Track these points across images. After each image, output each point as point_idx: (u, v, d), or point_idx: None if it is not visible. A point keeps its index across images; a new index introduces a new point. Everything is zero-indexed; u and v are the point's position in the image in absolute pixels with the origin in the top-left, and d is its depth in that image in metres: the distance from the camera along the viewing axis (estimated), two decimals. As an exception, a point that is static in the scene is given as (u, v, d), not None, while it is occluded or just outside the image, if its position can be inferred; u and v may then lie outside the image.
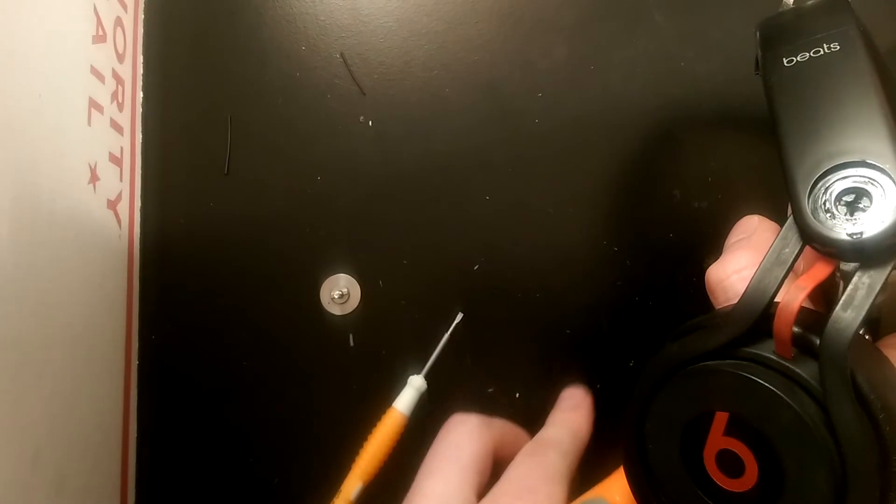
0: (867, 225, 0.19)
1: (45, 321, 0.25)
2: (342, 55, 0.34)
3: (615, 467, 0.26)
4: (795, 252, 0.20)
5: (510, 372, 0.34)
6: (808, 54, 0.22)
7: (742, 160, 0.33)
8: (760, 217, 0.26)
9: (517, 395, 0.34)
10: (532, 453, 0.27)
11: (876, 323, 0.22)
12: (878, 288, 0.18)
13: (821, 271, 0.20)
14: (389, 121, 0.34)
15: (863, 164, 0.19)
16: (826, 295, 0.21)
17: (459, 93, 0.34)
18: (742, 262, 0.24)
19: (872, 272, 0.19)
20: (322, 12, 0.35)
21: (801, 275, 0.20)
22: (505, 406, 0.34)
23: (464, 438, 0.27)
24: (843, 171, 0.20)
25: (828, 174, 0.20)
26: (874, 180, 0.19)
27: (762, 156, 0.33)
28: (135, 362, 0.33)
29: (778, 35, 0.23)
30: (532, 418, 0.34)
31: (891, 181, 0.19)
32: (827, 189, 0.20)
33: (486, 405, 0.34)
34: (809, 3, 0.23)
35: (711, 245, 0.32)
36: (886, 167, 0.19)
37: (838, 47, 0.21)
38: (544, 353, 0.34)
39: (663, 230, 0.33)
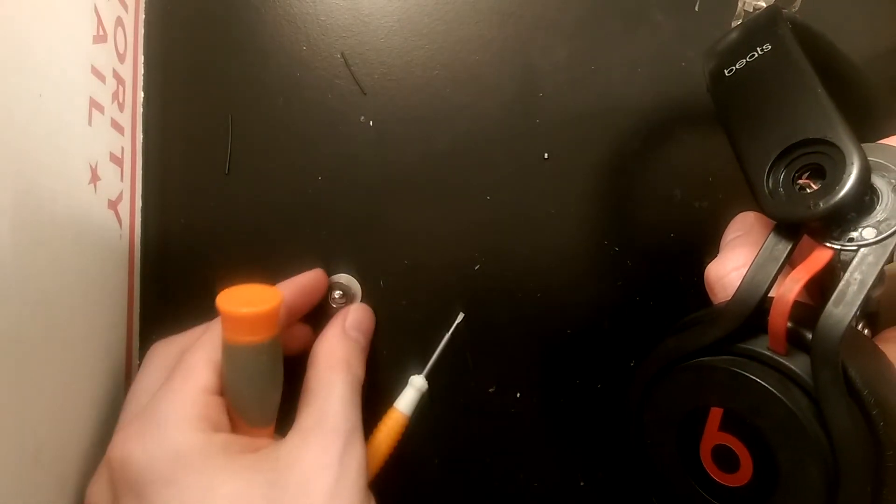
0: (826, 193, 0.20)
1: (45, 321, 0.25)
2: (343, 55, 0.34)
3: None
4: (789, 248, 0.21)
5: (510, 372, 0.34)
6: (744, 60, 0.23)
7: (742, 160, 0.33)
8: (756, 213, 0.26)
9: (518, 395, 0.34)
10: None
11: (874, 317, 0.22)
12: (869, 283, 0.19)
13: (817, 261, 0.20)
14: (390, 121, 0.34)
15: (807, 141, 0.20)
16: (823, 287, 0.21)
17: (459, 93, 0.34)
18: (740, 259, 0.24)
19: (864, 267, 0.19)
20: (323, 12, 0.35)
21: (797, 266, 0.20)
22: (505, 406, 0.34)
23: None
24: (793, 153, 0.21)
25: (780, 159, 0.21)
26: (822, 152, 0.20)
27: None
28: (135, 362, 0.33)
29: (719, 53, 0.24)
30: (533, 418, 0.34)
31: (837, 149, 0.20)
32: (781, 171, 0.21)
33: (486, 405, 0.34)
34: (747, 19, 0.24)
35: (712, 245, 0.32)
36: (829, 137, 0.20)
37: (770, 47, 0.22)
38: (545, 353, 0.34)
39: (664, 230, 0.33)
